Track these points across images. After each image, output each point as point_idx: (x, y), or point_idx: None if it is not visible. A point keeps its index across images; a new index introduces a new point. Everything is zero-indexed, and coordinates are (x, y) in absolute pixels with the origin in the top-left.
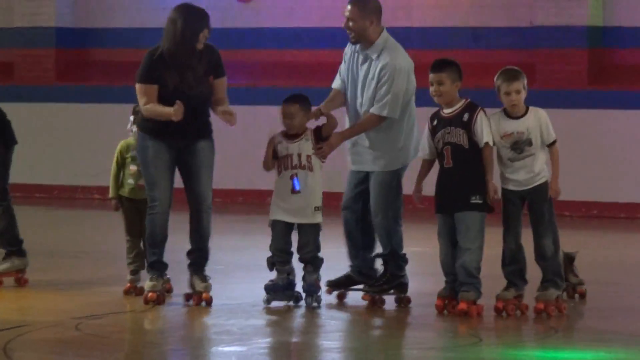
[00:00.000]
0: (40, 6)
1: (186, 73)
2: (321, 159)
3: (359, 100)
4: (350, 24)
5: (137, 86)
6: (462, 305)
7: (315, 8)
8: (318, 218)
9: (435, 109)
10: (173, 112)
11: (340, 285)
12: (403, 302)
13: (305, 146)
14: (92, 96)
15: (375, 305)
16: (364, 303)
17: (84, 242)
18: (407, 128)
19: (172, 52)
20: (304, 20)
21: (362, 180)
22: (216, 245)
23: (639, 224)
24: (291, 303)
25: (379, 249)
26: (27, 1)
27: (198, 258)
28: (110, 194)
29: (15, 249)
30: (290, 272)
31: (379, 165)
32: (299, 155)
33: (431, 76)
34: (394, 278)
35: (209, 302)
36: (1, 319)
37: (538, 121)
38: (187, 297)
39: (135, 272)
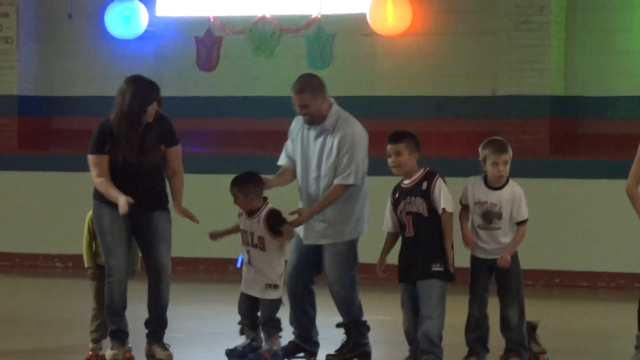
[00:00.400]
0: (3, 74)
1: (133, 144)
2: (286, 241)
3: (312, 175)
4: (307, 110)
5: (89, 157)
6: None
7: (279, 77)
8: (270, 294)
9: (392, 179)
10: (120, 205)
11: (287, 354)
12: None
13: (256, 227)
14: (55, 164)
15: None
16: None
17: (45, 310)
18: (363, 198)
19: (118, 124)
20: (267, 89)
21: (312, 250)
22: (177, 313)
23: (600, 293)
24: None
25: (339, 318)
26: None
27: (157, 327)
28: (86, 263)
29: None
30: (254, 338)
31: (335, 237)
32: (252, 234)
33: (389, 147)
34: (357, 346)
35: None
36: None
37: (512, 197)
38: None
39: (97, 341)
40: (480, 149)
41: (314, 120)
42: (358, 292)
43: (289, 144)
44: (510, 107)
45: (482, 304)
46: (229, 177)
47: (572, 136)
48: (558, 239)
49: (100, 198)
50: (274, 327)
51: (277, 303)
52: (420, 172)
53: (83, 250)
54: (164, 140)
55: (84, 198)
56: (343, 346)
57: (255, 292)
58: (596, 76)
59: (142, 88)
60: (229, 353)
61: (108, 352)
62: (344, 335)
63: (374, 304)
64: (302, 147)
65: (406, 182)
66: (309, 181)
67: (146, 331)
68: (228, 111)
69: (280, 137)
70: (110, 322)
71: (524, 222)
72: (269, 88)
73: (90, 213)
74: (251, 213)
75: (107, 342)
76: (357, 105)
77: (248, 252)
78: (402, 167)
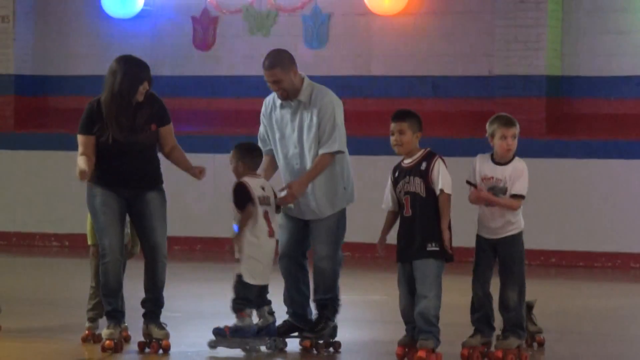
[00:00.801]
0: None
1: (123, 125)
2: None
3: (293, 152)
4: (280, 85)
5: (78, 136)
6: (421, 353)
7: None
8: (237, 269)
9: (393, 157)
10: (78, 172)
11: (282, 333)
12: (335, 347)
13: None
14: (51, 143)
15: (314, 349)
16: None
17: (42, 290)
18: (347, 166)
19: (109, 105)
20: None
21: (301, 226)
22: (174, 292)
23: (597, 272)
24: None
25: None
26: None
27: (154, 307)
28: (89, 241)
29: None
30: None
31: (324, 211)
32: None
33: (392, 125)
34: (329, 322)
35: (167, 349)
36: None
37: (515, 171)
38: (142, 345)
39: (93, 320)
40: (487, 125)
41: (289, 95)
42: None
43: (262, 131)
44: (507, 86)
45: (484, 284)
46: (226, 157)
47: (569, 116)
48: (554, 219)
49: (92, 179)
50: (238, 303)
51: (239, 279)
52: (420, 152)
53: (87, 228)
54: (154, 120)
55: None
56: (317, 323)
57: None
58: (592, 56)
59: (132, 68)
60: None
61: (104, 332)
62: (316, 312)
63: (371, 283)
64: (278, 128)
65: (406, 161)
66: (289, 160)
67: (142, 311)
68: (224, 91)
69: None
70: (105, 303)
71: (518, 196)
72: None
73: None
74: None
75: (103, 321)
76: (353, 85)
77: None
78: (404, 146)
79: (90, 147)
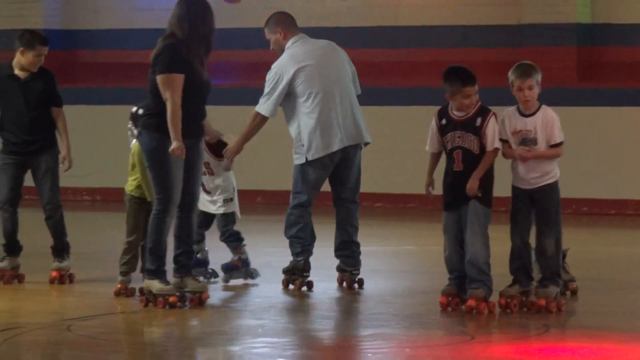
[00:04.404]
0: (27, 8)
1: (204, 66)
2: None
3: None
4: (271, 45)
5: (165, 77)
6: (471, 302)
7: (303, 8)
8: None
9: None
10: (177, 147)
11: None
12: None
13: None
14: (81, 98)
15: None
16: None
17: (73, 244)
18: (304, 125)
19: (197, 45)
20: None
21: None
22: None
23: (629, 220)
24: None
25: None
26: (13, 3)
27: (188, 260)
28: (149, 197)
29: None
30: (199, 251)
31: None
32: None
33: (470, 89)
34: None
35: (203, 302)
36: None
37: (545, 121)
38: (176, 299)
39: (126, 274)
40: (509, 74)
41: (277, 54)
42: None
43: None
44: (537, 35)
45: (523, 233)
46: (252, 109)
47: (599, 64)
48: (585, 167)
49: (161, 130)
50: (236, 239)
51: (232, 216)
52: (474, 107)
53: (143, 183)
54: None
55: (110, 131)
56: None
57: (212, 209)
58: (622, 3)
59: (209, 8)
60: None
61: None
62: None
63: (404, 233)
64: None
65: (458, 113)
66: None
67: (176, 266)
68: (253, 43)
69: None
70: (157, 258)
71: (557, 145)
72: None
73: (136, 147)
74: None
75: (136, 275)
76: (381, 36)
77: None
78: (471, 107)
79: (179, 86)
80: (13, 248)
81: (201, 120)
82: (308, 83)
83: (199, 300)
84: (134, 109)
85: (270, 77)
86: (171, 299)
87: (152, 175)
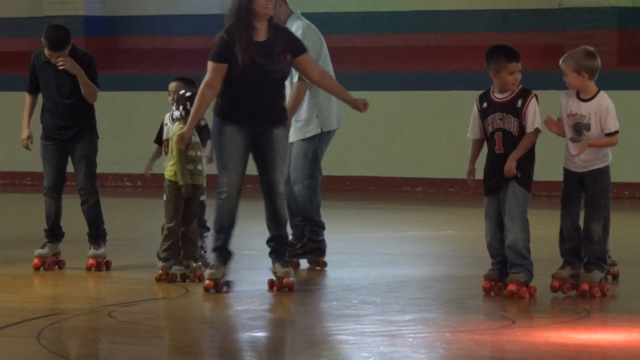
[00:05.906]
0: None
1: (255, 50)
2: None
3: None
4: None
5: (209, 64)
6: (511, 287)
7: None
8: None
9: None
10: (179, 135)
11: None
12: (319, 265)
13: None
14: (122, 84)
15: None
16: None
17: (114, 230)
18: (311, 99)
19: (233, 29)
20: (334, 5)
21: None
22: (248, 231)
23: None
24: None
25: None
26: None
27: (278, 244)
28: (181, 181)
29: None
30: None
31: (294, 136)
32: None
33: (514, 64)
34: (310, 242)
35: (290, 287)
36: (35, 307)
37: (599, 109)
38: (271, 284)
39: (167, 259)
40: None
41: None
42: (317, 194)
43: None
44: (577, 19)
45: (573, 216)
46: None
47: None
48: (627, 151)
49: (221, 115)
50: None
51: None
52: (515, 89)
53: (177, 167)
54: (288, 50)
55: (151, 117)
56: (293, 244)
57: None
58: None
59: None
60: None
61: (207, 272)
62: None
63: (445, 218)
64: None
65: (499, 95)
66: None
67: (269, 250)
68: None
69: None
70: (215, 239)
71: (612, 133)
72: (335, 4)
73: (174, 131)
74: None
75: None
76: (422, 20)
77: None
78: (515, 85)
79: (221, 75)
80: (55, 234)
81: (268, 107)
82: (324, 61)
83: (280, 285)
84: (182, 91)
85: (310, 42)
86: (206, 284)
87: (215, 157)
